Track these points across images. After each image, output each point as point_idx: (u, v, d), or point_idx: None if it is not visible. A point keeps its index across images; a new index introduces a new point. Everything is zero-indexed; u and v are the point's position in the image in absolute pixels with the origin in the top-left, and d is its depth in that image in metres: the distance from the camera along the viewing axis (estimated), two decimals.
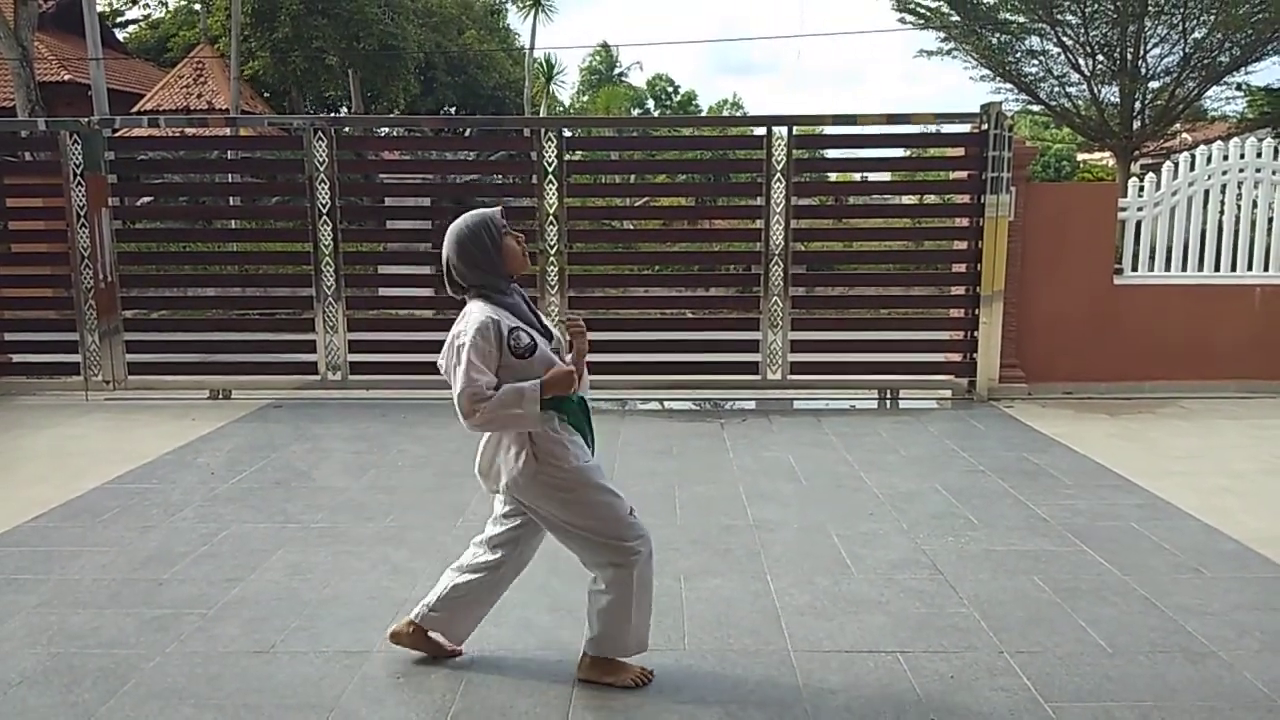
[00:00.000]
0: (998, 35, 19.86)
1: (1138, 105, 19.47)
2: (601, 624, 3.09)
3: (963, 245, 7.66)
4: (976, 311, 7.47)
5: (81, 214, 7.46)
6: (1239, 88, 19.92)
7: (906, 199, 14.12)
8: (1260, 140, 7.96)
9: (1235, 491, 5.25)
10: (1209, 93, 19.84)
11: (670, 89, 62.52)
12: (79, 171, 7.42)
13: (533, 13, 36.86)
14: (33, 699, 3.07)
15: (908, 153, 8.82)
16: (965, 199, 7.60)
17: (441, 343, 3.00)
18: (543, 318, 3.14)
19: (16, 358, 7.95)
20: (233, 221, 11.05)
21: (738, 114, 52.67)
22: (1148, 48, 18.74)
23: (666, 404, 7.73)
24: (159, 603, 3.79)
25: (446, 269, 3.02)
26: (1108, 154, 23.86)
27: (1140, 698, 3.07)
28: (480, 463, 3.14)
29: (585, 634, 3.18)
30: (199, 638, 3.49)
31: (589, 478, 3.02)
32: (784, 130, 7.30)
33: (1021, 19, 19.33)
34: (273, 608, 3.75)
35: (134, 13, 35.86)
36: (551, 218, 7.42)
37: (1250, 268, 7.92)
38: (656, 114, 57.86)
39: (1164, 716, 2.97)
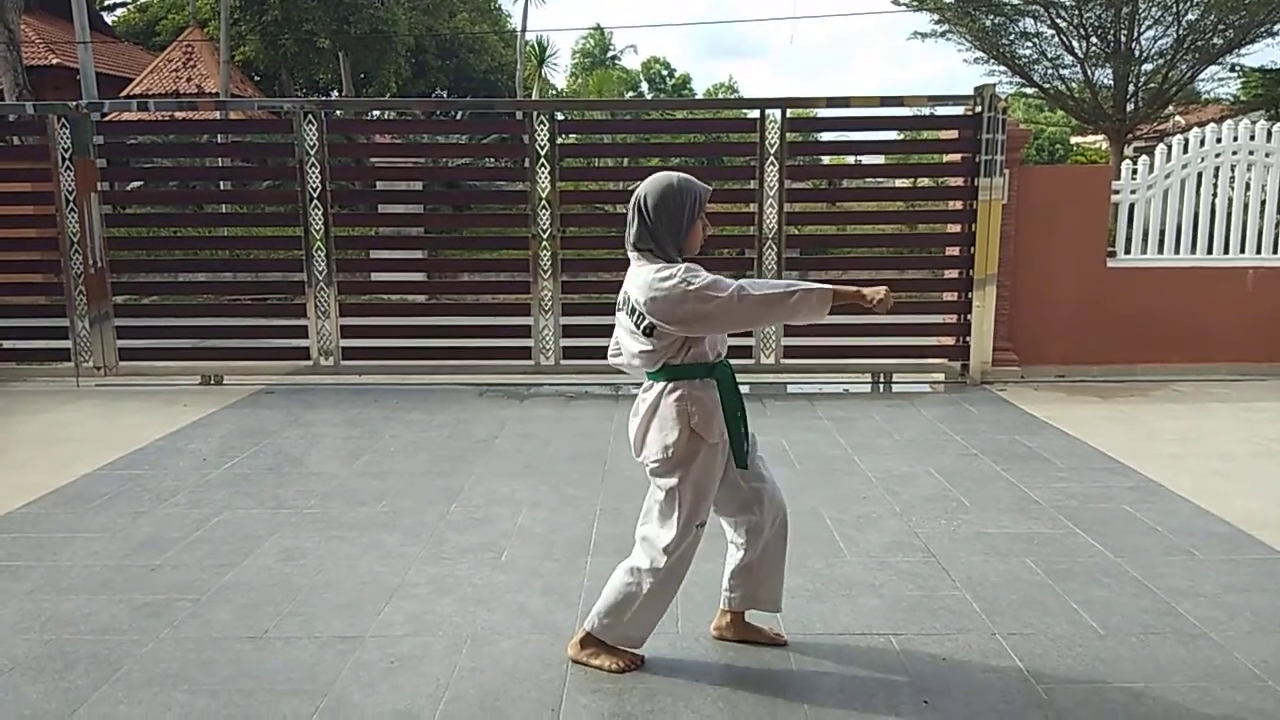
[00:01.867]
0: (992, 17, 19.78)
1: (1131, 88, 19.43)
2: (612, 603, 3.06)
3: (956, 228, 7.65)
4: (969, 295, 7.46)
5: (70, 199, 7.39)
6: (1232, 69, 19.89)
7: (900, 182, 14.10)
8: (1254, 122, 7.96)
9: (1227, 474, 5.27)
10: (1202, 75, 19.82)
11: (666, 72, 62.29)
12: (67, 156, 7.36)
13: None
14: (25, 686, 3.07)
15: (901, 136, 8.78)
16: (959, 182, 7.58)
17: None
18: None
19: (7, 344, 7.89)
20: (223, 206, 11.00)
21: (732, 97, 52.52)
22: (1141, 30, 18.69)
23: None
24: (151, 589, 3.78)
25: (640, 213, 2.89)
26: (1101, 137, 23.81)
27: (1132, 679, 3.09)
28: (635, 438, 3.03)
29: (595, 609, 3.12)
30: (192, 624, 3.48)
31: (713, 463, 2.97)
32: (777, 113, 7.27)
33: (1015, 1, 19.26)
34: (265, 593, 3.74)
35: None
36: (544, 201, 7.38)
37: (1243, 250, 7.92)
38: (650, 97, 57.68)
39: (1155, 697, 2.98)
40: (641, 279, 2.87)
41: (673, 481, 2.96)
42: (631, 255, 2.98)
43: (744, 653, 3.26)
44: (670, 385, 2.95)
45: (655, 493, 3.04)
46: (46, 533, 4.41)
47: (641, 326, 2.88)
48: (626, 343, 3.01)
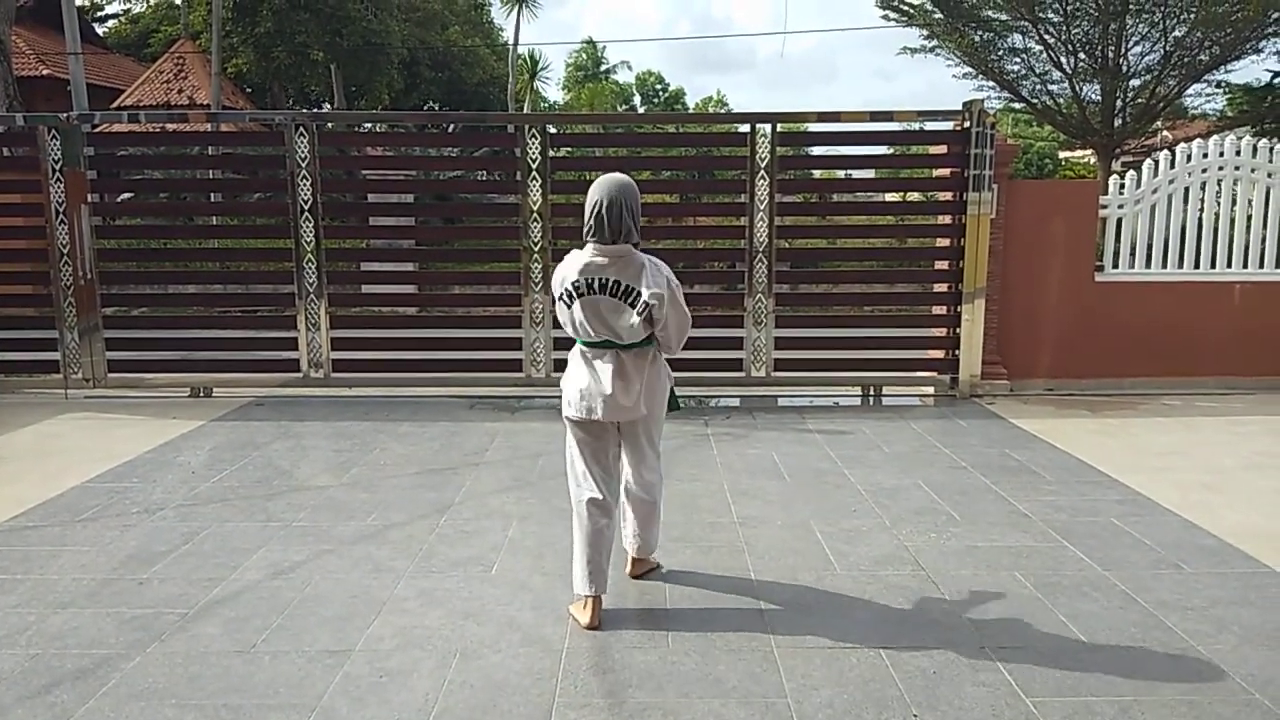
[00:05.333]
0: (980, 33, 19.92)
1: (1119, 103, 19.58)
2: (645, 527, 3.85)
3: (945, 242, 7.69)
4: (959, 308, 7.50)
5: (60, 210, 7.38)
6: (1219, 86, 20.06)
7: (889, 196, 14.15)
8: (1240, 138, 8.02)
9: (1215, 487, 5.29)
10: (1189, 91, 19.98)
11: (659, 85, 62.56)
12: (58, 167, 7.35)
13: (516, 8, 36.79)
14: (10, 700, 3.04)
15: (891, 150, 8.81)
16: (948, 196, 7.62)
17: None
18: None
19: None
20: (214, 218, 10.99)
21: (722, 111, 52.77)
22: (1129, 46, 18.85)
23: None
24: (139, 603, 3.77)
25: (628, 212, 3.44)
26: (1089, 152, 23.99)
27: (1120, 692, 3.10)
28: (632, 396, 3.53)
29: (631, 543, 3.90)
30: (179, 638, 3.47)
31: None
32: (768, 127, 7.30)
33: (1004, 17, 19.41)
34: (254, 607, 3.73)
35: (114, 7, 35.63)
36: (535, 214, 7.39)
37: (1230, 265, 7.97)
38: (643, 110, 57.89)
39: (1143, 711, 2.99)
40: (647, 273, 3.43)
41: (661, 419, 3.73)
42: (613, 249, 3.45)
43: (734, 666, 3.26)
44: (652, 351, 3.61)
45: (644, 434, 3.68)
46: (33, 546, 4.39)
47: (636, 307, 3.43)
48: (621, 319, 3.47)
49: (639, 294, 3.41)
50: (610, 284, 3.43)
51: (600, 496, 3.59)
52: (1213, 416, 6.99)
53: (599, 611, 3.56)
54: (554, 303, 3.63)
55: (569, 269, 3.49)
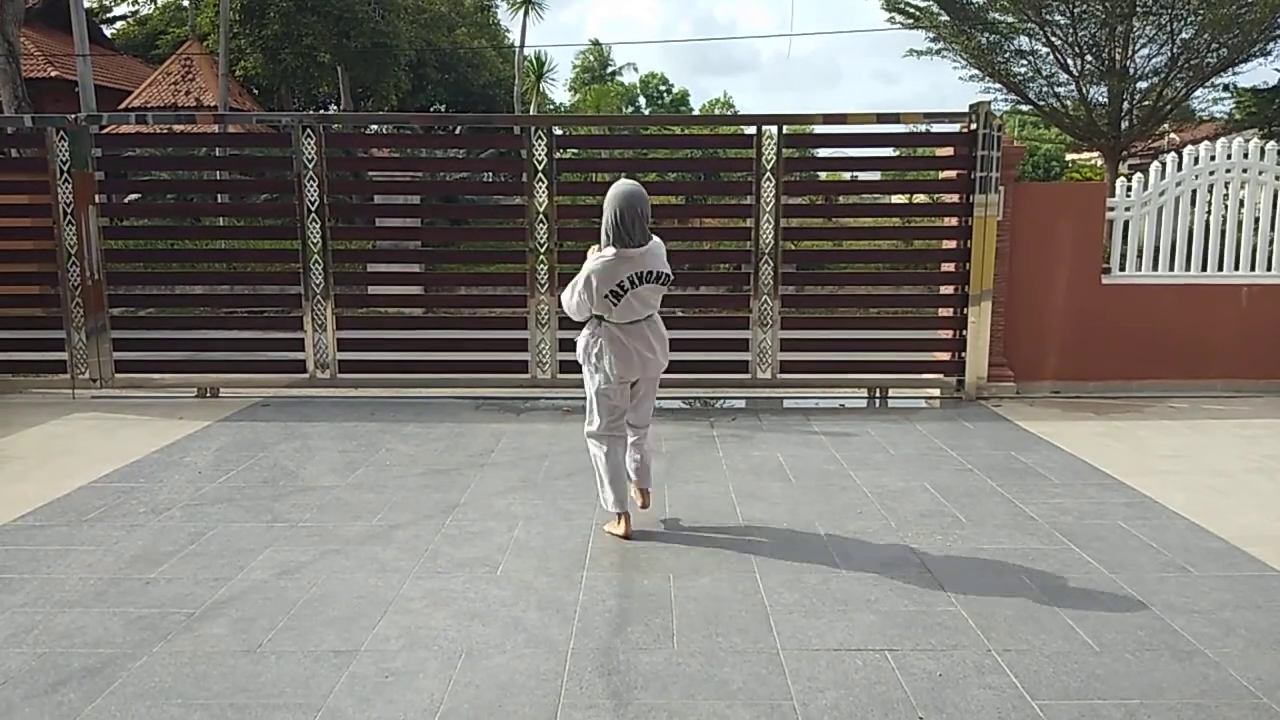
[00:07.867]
0: (987, 35, 19.88)
1: (1126, 105, 19.51)
2: (649, 462, 4.74)
3: (951, 244, 7.67)
4: (965, 311, 7.49)
5: (68, 211, 7.40)
6: (1226, 89, 19.98)
7: (896, 198, 14.13)
8: (1247, 141, 8.00)
9: (1222, 490, 5.28)
10: (1196, 93, 19.89)
11: (664, 87, 62.59)
12: (66, 168, 7.37)
13: (522, 10, 36.82)
14: (17, 699, 3.05)
15: (897, 152, 8.81)
16: (954, 198, 7.61)
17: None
18: None
19: (2, 355, 7.88)
20: (220, 219, 11.03)
21: (728, 113, 52.76)
22: (1136, 48, 18.79)
23: (656, 402, 7.69)
24: (145, 602, 3.78)
25: (644, 217, 4.23)
26: (1096, 154, 23.93)
27: (1127, 695, 3.09)
28: (657, 357, 4.45)
29: (644, 476, 4.70)
30: (186, 637, 3.48)
31: None
32: (774, 129, 7.30)
33: (1010, 19, 19.36)
34: (260, 607, 3.73)
35: (122, 9, 35.74)
36: (541, 216, 7.40)
37: (1237, 267, 7.96)
38: (648, 112, 57.91)
39: (1150, 714, 2.98)
40: (661, 256, 4.34)
41: None
42: (644, 247, 4.27)
43: (739, 667, 3.26)
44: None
45: (655, 388, 4.67)
46: (40, 545, 4.40)
47: (662, 284, 4.34)
48: (653, 300, 4.39)
49: (664, 274, 4.33)
50: (648, 274, 4.27)
51: (621, 435, 4.57)
52: (1220, 419, 6.97)
53: (629, 524, 4.51)
54: (591, 298, 4.24)
55: (618, 271, 4.21)
